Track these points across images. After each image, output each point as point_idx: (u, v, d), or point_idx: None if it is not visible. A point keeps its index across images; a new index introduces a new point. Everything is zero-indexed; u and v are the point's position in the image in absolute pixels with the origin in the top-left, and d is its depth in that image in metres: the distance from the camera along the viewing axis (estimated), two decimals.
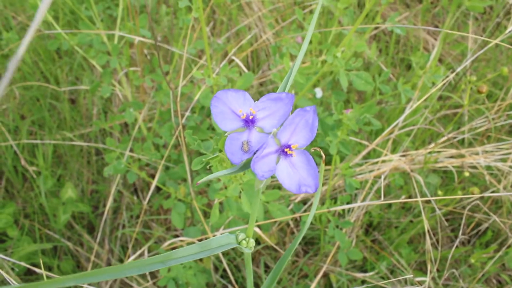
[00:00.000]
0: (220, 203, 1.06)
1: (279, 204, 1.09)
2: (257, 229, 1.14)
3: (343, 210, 1.49)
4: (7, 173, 1.56)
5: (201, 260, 1.49)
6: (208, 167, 0.73)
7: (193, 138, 0.72)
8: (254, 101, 0.56)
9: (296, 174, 0.53)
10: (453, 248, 1.28)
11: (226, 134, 0.54)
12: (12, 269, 1.35)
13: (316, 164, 1.63)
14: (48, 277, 1.29)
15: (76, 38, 1.38)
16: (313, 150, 0.57)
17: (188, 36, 1.32)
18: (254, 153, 0.51)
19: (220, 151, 0.65)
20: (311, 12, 1.79)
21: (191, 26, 1.81)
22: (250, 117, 0.54)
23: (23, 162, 1.49)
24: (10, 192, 1.59)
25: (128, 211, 1.58)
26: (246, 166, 0.54)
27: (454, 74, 1.42)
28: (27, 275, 1.43)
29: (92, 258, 1.38)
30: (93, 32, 1.36)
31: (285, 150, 0.52)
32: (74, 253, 1.49)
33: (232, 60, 1.75)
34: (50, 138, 1.60)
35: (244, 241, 0.61)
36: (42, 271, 1.26)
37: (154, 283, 1.41)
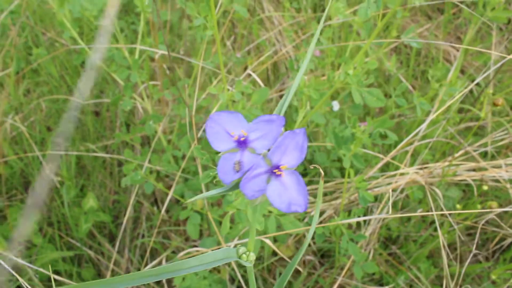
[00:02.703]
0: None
1: (290, 217, 1.10)
2: (268, 241, 1.16)
3: (359, 223, 1.49)
4: (33, 183, 1.62)
5: (218, 271, 1.51)
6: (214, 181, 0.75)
7: (202, 153, 0.74)
8: (248, 123, 0.58)
9: (286, 194, 0.54)
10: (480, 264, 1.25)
11: (219, 155, 0.56)
12: (36, 275, 1.40)
13: (333, 177, 1.63)
14: (63, 283, 1.33)
15: None
16: (312, 167, 0.58)
17: (204, 51, 1.35)
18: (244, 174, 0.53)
19: None
20: (330, 26, 1.80)
21: (211, 40, 1.85)
22: (242, 139, 0.56)
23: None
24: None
25: (148, 221, 1.62)
26: (237, 186, 0.56)
27: (473, 84, 1.40)
28: (50, 281, 1.47)
29: (111, 266, 1.41)
30: (114, 47, 1.41)
31: (276, 170, 0.54)
32: (95, 262, 1.53)
33: (251, 74, 1.78)
34: (73, 150, 1.66)
35: (244, 255, 0.63)
36: (63, 278, 1.31)
37: None
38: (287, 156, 0.54)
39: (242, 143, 0.56)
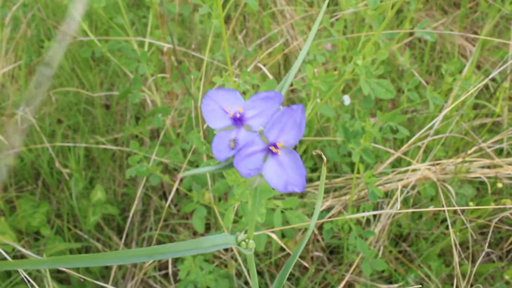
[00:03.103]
0: None
1: (297, 211, 1.08)
2: (274, 236, 1.14)
3: (369, 220, 1.46)
4: (43, 174, 1.63)
5: (225, 265, 1.50)
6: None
7: (202, 143, 0.73)
8: (245, 101, 0.56)
9: (284, 173, 0.52)
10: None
11: (215, 132, 0.54)
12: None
13: (344, 172, 1.59)
14: (70, 275, 1.33)
15: (107, 45, 1.43)
16: (314, 153, 0.56)
17: (214, 44, 1.34)
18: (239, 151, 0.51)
19: None
20: (341, 19, 1.77)
21: (221, 33, 1.83)
22: (237, 115, 0.54)
23: (57, 164, 1.55)
24: (46, 193, 1.66)
25: (156, 215, 1.61)
26: (232, 164, 0.54)
27: (488, 78, 1.36)
28: (58, 273, 1.48)
29: None
30: (123, 40, 1.40)
31: (273, 148, 0.52)
32: None
33: (261, 68, 1.76)
34: (82, 142, 1.66)
35: (243, 242, 0.61)
36: (70, 270, 1.31)
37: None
38: (285, 133, 0.52)
39: (237, 120, 0.54)
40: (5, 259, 1.39)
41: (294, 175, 0.52)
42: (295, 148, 0.53)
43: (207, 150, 0.70)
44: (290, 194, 1.29)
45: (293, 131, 0.52)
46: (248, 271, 1.35)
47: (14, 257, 1.46)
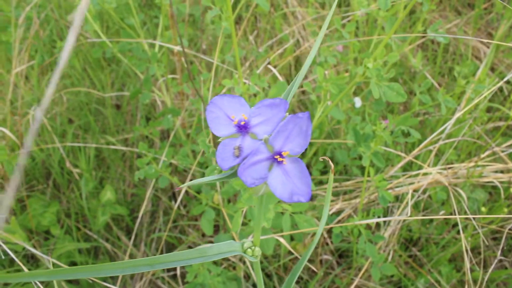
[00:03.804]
0: None
1: (305, 215, 1.07)
2: (282, 240, 1.13)
3: (379, 224, 1.44)
4: (54, 174, 1.64)
5: (234, 268, 1.49)
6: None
7: (208, 146, 0.72)
8: (251, 107, 0.55)
9: (289, 182, 0.51)
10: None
11: (219, 140, 0.53)
12: (54, 265, 1.41)
13: (352, 175, 1.57)
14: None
15: (118, 46, 1.43)
16: (321, 159, 0.55)
17: (225, 44, 1.33)
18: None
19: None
20: (353, 20, 1.76)
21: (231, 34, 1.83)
22: (242, 123, 0.53)
23: (68, 164, 1.56)
24: (56, 193, 1.67)
25: (165, 216, 1.61)
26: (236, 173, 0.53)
27: (503, 81, 1.34)
28: None
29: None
30: (134, 41, 1.40)
31: (278, 157, 0.51)
32: (112, 254, 1.54)
33: (272, 70, 1.75)
34: (93, 142, 1.66)
35: (249, 250, 0.60)
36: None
37: None
38: (290, 142, 0.51)
39: (242, 128, 0.53)
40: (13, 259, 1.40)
41: (299, 185, 0.50)
42: (304, 155, 0.52)
43: (213, 154, 0.70)
44: None
45: (299, 139, 0.51)
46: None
47: (24, 256, 1.48)
